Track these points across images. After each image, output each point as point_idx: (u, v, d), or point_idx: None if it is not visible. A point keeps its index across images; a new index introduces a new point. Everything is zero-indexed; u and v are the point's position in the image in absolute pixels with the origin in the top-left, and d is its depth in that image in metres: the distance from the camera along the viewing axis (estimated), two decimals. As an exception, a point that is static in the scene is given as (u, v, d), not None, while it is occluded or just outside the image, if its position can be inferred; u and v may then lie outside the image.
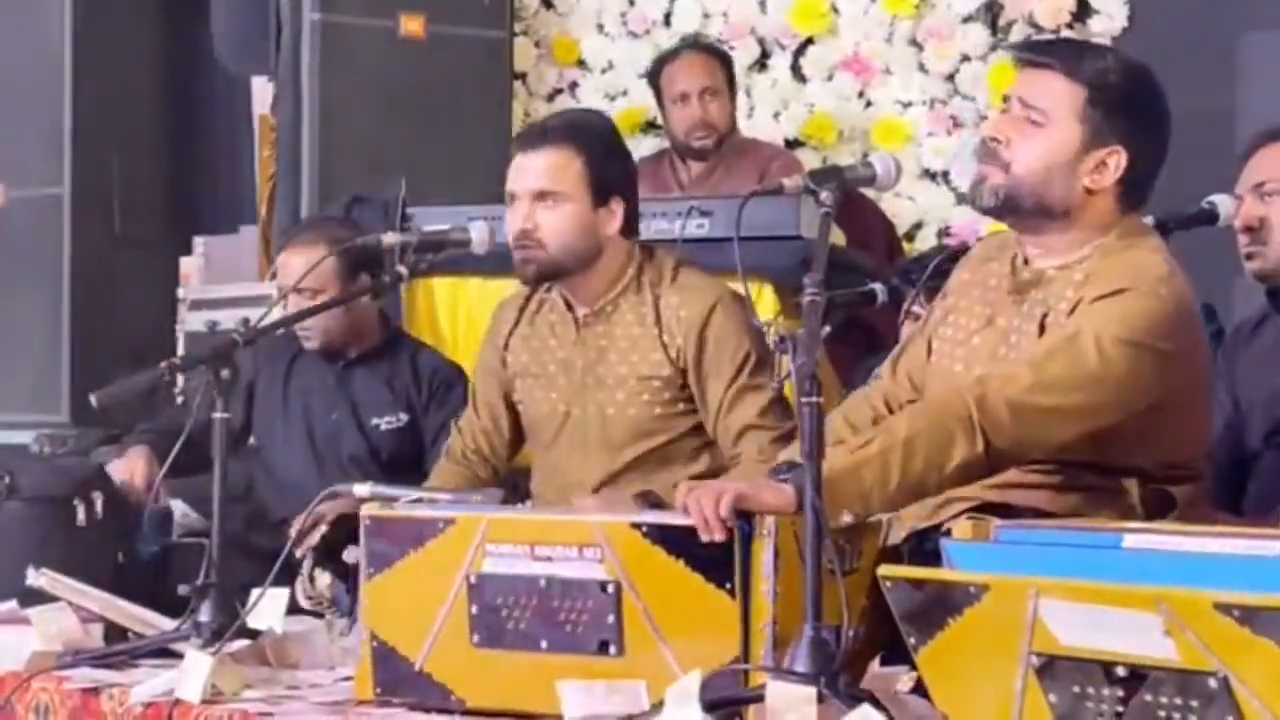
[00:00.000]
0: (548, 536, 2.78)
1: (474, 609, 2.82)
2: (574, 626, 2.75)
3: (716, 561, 2.64)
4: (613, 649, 2.72)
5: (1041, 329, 2.95)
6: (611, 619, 2.71)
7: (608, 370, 3.59)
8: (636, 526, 2.71)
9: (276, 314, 3.95)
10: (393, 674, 2.89)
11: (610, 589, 2.71)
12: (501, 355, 3.72)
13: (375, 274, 4.17)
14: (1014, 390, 2.79)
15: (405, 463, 4.22)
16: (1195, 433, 3.05)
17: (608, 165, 3.57)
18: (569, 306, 3.64)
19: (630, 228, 3.62)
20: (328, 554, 3.47)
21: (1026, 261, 3.05)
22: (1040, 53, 3.06)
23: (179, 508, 4.04)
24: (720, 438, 3.55)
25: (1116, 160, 2.97)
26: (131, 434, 4.39)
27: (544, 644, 2.77)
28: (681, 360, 3.55)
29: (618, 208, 3.57)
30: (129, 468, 4.15)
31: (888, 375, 3.18)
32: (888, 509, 2.79)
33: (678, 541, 2.67)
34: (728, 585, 2.63)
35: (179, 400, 4.41)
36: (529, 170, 3.55)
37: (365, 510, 2.95)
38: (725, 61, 5.64)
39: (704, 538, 2.63)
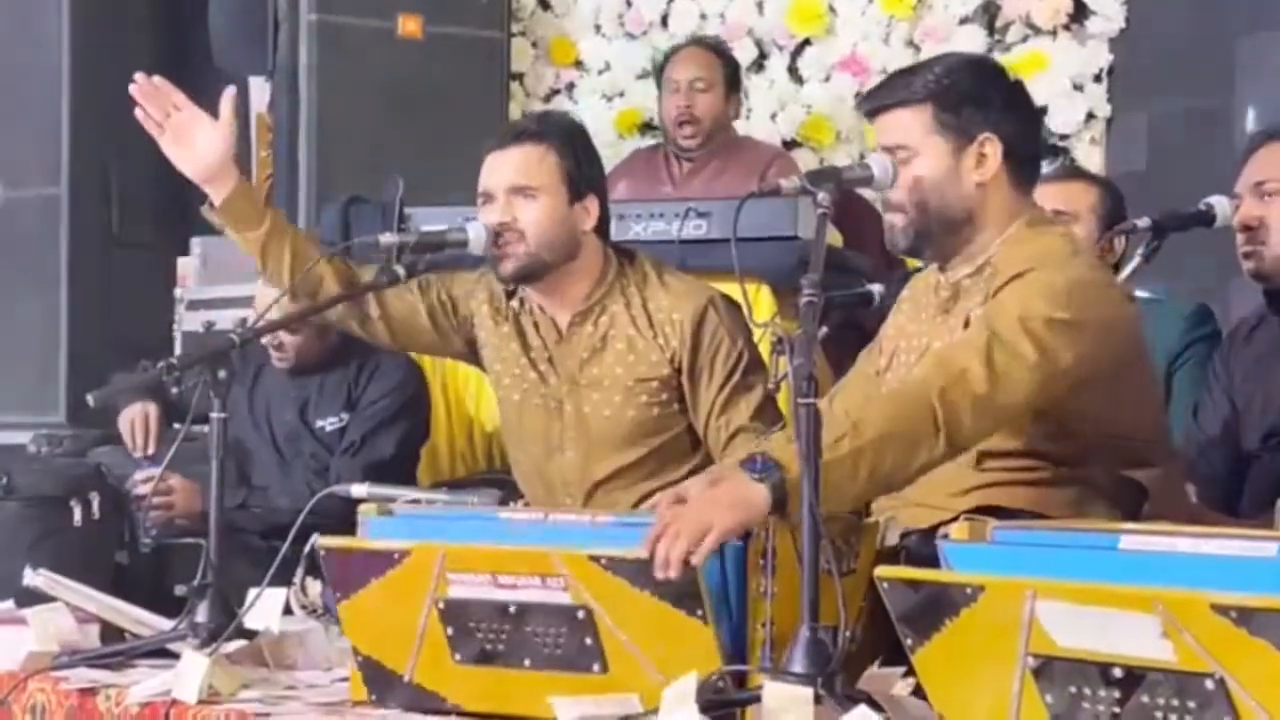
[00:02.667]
0: (507, 567, 2.71)
1: (449, 631, 2.77)
2: (552, 648, 2.70)
3: (682, 591, 2.58)
4: (596, 667, 2.67)
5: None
6: (589, 641, 2.66)
7: (603, 371, 3.59)
8: (595, 559, 2.63)
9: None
10: (383, 685, 2.86)
11: (581, 615, 2.66)
12: (473, 311, 3.70)
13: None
14: (974, 389, 2.83)
15: None
16: (1144, 404, 3.10)
17: (581, 161, 3.58)
18: (543, 311, 3.64)
19: (603, 229, 3.63)
20: (317, 563, 3.46)
21: (945, 279, 3.13)
22: (877, 100, 3.13)
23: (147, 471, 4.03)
24: (711, 439, 3.55)
25: (992, 147, 3.06)
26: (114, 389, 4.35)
27: (527, 662, 2.72)
28: (676, 361, 3.55)
29: (592, 206, 3.58)
30: (134, 417, 4.17)
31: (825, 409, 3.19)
32: (853, 505, 2.84)
33: (638, 574, 2.60)
34: (699, 612, 2.58)
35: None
36: (503, 166, 3.56)
37: (321, 542, 2.91)
38: (726, 59, 5.63)
39: (659, 575, 2.57)
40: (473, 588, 2.73)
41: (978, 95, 3.07)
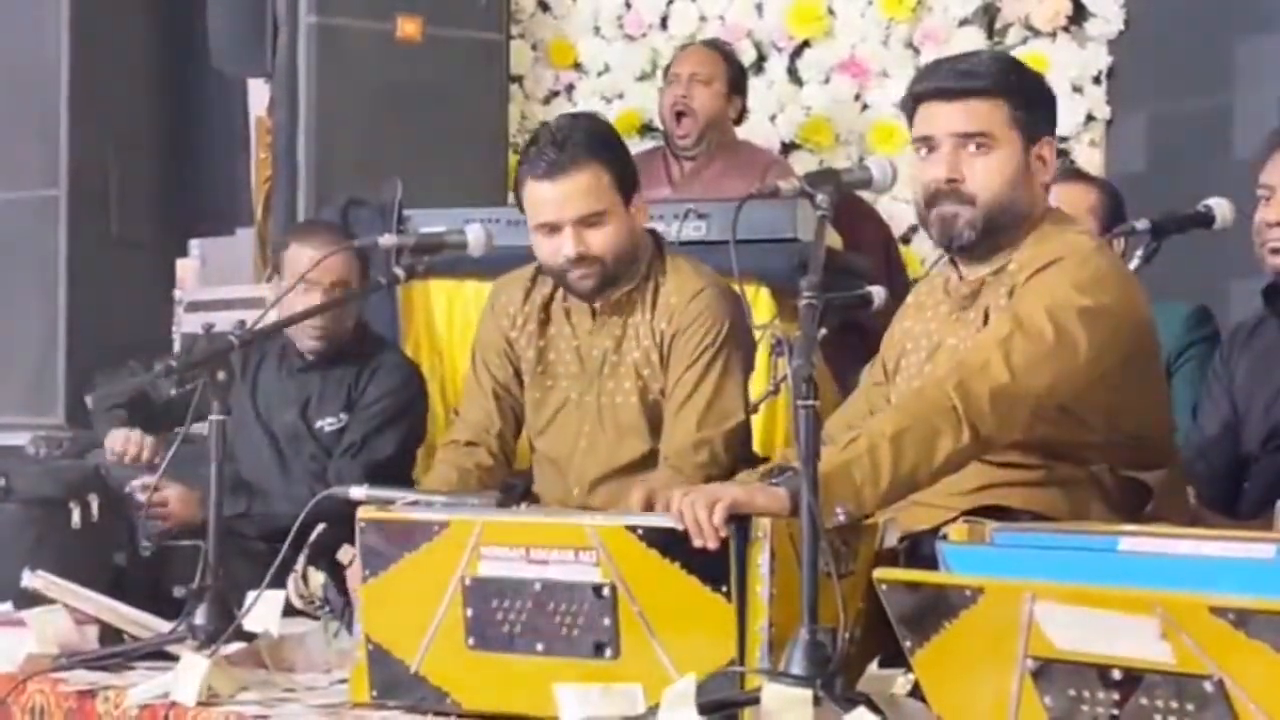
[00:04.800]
0: (543, 540, 2.77)
1: (469, 612, 2.82)
2: (569, 629, 2.74)
3: (712, 565, 2.63)
4: (608, 652, 2.71)
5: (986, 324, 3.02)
6: (607, 622, 2.71)
7: (620, 359, 3.61)
8: (632, 530, 2.70)
9: (272, 316, 3.93)
10: (389, 677, 2.89)
11: (605, 592, 2.70)
12: (507, 335, 3.71)
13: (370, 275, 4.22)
14: (994, 378, 2.83)
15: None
16: (1155, 402, 3.10)
17: (626, 167, 3.59)
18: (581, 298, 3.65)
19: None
20: (321, 553, 3.46)
21: (961, 278, 3.12)
22: (949, 81, 3.07)
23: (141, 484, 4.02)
24: (665, 419, 3.57)
25: (1050, 148, 3.07)
26: (97, 405, 4.34)
27: (539, 647, 2.77)
28: (664, 346, 3.56)
29: (640, 202, 3.60)
30: (128, 441, 4.16)
31: (836, 429, 3.19)
32: (881, 505, 2.80)
33: (673, 545, 2.66)
34: (724, 588, 2.63)
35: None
36: (567, 199, 3.50)
37: (361, 513, 2.94)
38: (731, 62, 5.65)
39: (696, 544, 2.63)
40: (503, 563, 2.78)
41: (1040, 96, 3.07)
